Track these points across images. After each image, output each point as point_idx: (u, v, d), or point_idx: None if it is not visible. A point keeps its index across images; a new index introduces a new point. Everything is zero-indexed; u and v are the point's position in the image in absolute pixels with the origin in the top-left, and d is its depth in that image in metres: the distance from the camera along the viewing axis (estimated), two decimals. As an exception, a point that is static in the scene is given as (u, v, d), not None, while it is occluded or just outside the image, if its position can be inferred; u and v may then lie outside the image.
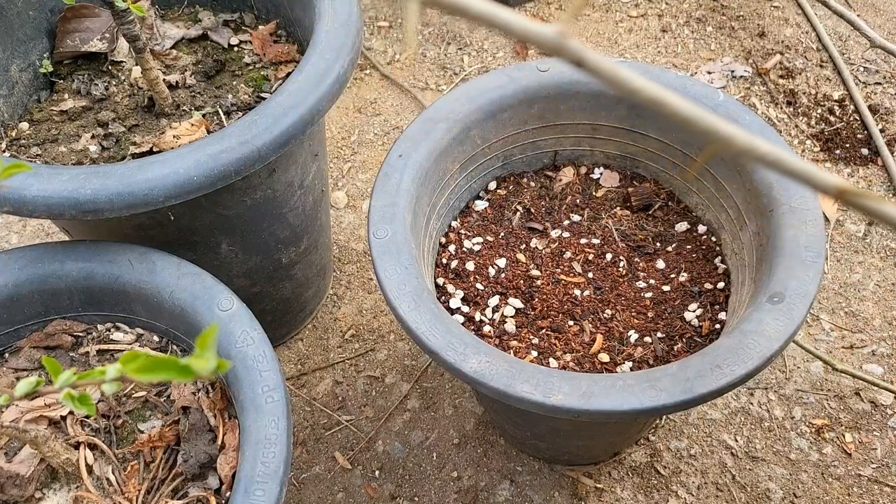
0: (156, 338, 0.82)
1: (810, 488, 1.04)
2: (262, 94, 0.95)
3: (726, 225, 0.90)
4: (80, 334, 0.81)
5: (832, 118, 1.40)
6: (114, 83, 0.97)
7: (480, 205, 0.96)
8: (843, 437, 1.07)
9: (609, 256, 0.91)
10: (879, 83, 1.45)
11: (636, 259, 0.91)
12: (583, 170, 0.99)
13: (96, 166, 0.78)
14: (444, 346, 0.72)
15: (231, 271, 0.98)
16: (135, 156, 0.88)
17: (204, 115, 0.92)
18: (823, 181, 0.28)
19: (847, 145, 1.37)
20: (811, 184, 0.29)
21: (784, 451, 1.07)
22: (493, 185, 0.98)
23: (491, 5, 0.25)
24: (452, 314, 0.86)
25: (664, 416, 1.09)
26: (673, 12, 1.59)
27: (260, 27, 1.03)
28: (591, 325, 0.85)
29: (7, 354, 0.81)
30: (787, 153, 0.29)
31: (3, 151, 0.90)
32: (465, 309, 0.87)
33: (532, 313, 0.87)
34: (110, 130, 0.91)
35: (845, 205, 0.28)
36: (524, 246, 0.92)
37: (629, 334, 0.84)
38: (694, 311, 0.86)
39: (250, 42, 1.01)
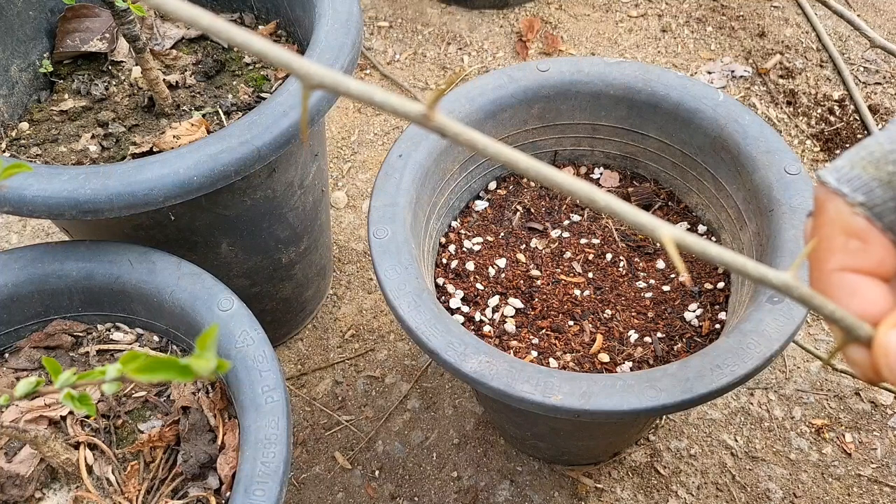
0: (156, 338, 0.82)
1: (810, 488, 1.04)
2: (262, 94, 0.95)
3: (726, 225, 0.90)
4: (80, 334, 0.81)
5: (832, 118, 1.40)
6: (114, 83, 0.97)
7: (480, 205, 0.97)
8: (843, 437, 1.07)
9: (609, 256, 0.91)
10: (879, 83, 1.46)
11: (636, 259, 0.91)
12: (583, 170, 0.99)
13: (96, 166, 0.78)
14: (444, 346, 0.72)
15: (231, 271, 0.98)
16: (135, 156, 0.88)
17: (204, 115, 0.92)
18: (651, 230, 0.32)
19: (847, 145, 1.37)
20: (644, 231, 0.33)
21: (784, 451, 1.07)
22: (493, 185, 0.98)
23: (367, 87, 0.30)
24: (452, 314, 0.86)
25: (664, 416, 1.09)
26: (673, 12, 1.59)
27: (260, 27, 1.03)
28: (591, 325, 0.85)
29: (7, 354, 0.81)
30: (618, 204, 0.32)
31: (3, 151, 0.90)
32: (465, 309, 0.87)
33: (532, 313, 0.87)
34: (110, 130, 0.91)
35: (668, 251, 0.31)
36: (524, 246, 0.92)
37: (629, 334, 0.84)
38: (694, 311, 0.86)
39: (250, 42, 1.01)
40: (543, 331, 0.85)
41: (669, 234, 0.31)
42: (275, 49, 0.29)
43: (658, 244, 0.92)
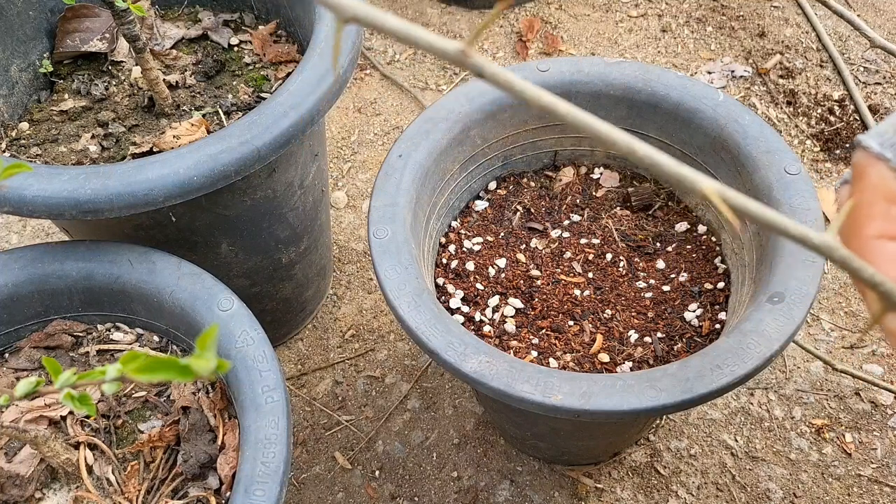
0: (156, 338, 0.82)
1: (810, 488, 1.04)
2: (262, 94, 0.95)
3: (726, 225, 0.90)
4: (80, 334, 0.81)
5: (832, 118, 1.40)
6: (114, 83, 0.97)
7: (480, 205, 0.97)
8: (843, 437, 1.07)
9: (609, 256, 0.91)
10: (879, 83, 1.46)
11: (636, 259, 0.91)
12: (583, 170, 0.99)
13: (96, 166, 0.78)
14: (444, 346, 0.72)
15: (231, 271, 0.98)
16: (135, 156, 0.88)
17: (204, 115, 0.92)
18: (692, 183, 0.31)
19: (847, 145, 1.37)
20: (683, 185, 0.31)
21: (784, 451, 1.07)
22: (493, 185, 0.98)
23: (405, 23, 0.29)
24: (452, 314, 0.86)
25: (664, 416, 1.09)
26: (673, 12, 1.59)
27: (260, 27, 1.03)
28: (591, 325, 0.85)
29: (7, 354, 0.81)
30: (658, 155, 0.31)
31: (3, 151, 0.90)
32: (465, 309, 0.87)
33: (532, 313, 0.87)
34: (110, 130, 0.91)
35: (711, 204, 0.31)
36: (524, 246, 0.92)
37: (629, 334, 0.84)
38: (694, 311, 0.86)
39: (250, 42, 1.01)
40: (543, 331, 0.85)
41: (711, 186, 0.31)
42: None
43: (658, 244, 0.92)
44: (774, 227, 0.32)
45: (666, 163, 0.31)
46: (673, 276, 0.89)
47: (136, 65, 0.97)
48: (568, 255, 0.91)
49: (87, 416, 0.76)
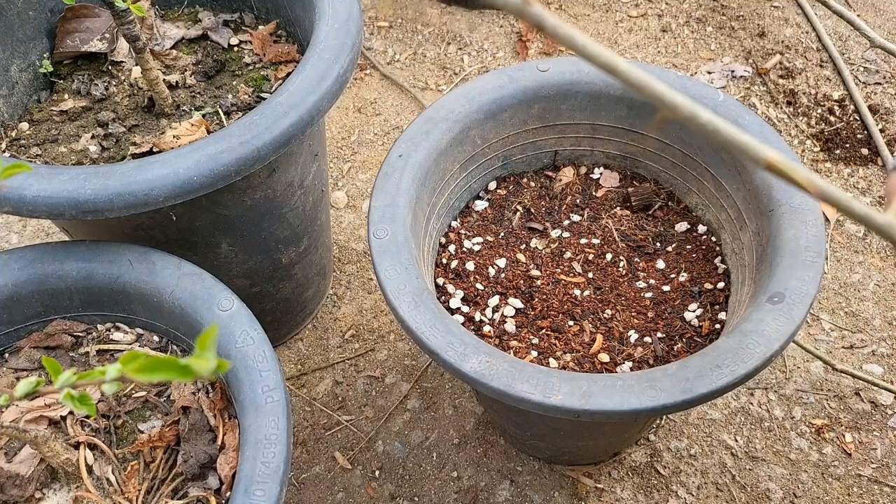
0: (156, 338, 0.82)
1: (810, 488, 1.04)
2: (262, 94, 0.95)
3: (726, 225, 0.90)
4: (80, 334, 0.81)
5: (832, 118, 1.40)
6: (114, 83, 0.97)
7: (480, 205, 0.97)
8: (843, 437, 1.07)
9: (609, 256, 0.91)
10: (879, 83, 1.46)
11: (636, 259, 0.91)
12: (583, 170, 0.99)
13: (96, 166, 0.78)
14: (444, 346, 0.72)
15: (231, 271, 0.98)
16: (135, 156, 0.88)
17: (204, 115, 0.92)
18: (755, 152, 0.31)
19: (847, 145, 1.37)
20: (745, 154, 0.31)
21: (784, 451, 1.07)
22: (493, 185, 0.98)
23: None
24: (452, 314, 0.86)
25: (664, 416, 1.09)
26: (673, 12, 1.59)
27: (260, 27, 1.03)
28: (591, 325, 0.85)
29: (7, 354, 0.81)
30: (721, 122, 0.30)
31: (3, 151, 0.90)
32: (465, 309, 0.87)
33: (532, 313, 0.87)
34: (110, 130, 0.91)
35: (776, 175, 0.30)
36: (524, 246, 0.92)
37: (629, 334, 0.84)
38: (694, 311, 0.86)
39: (250, 42, 1.01)
40: (543, 331, 0.85)
41: (774, 155, 0.31)
42: None
43: (658, 244, 0.92)
44: (840, 204, 0.32)
45: (727, 129, 0.30)
46: (673, 276, 0.89)
47: (136, 65, 0.97)
48: (568, 255, 0.91)
49: (87, 416, 0.76)
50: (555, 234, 0.93)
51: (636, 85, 0.30)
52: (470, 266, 0.90)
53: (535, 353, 0.83)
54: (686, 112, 0.30)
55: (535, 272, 0.90)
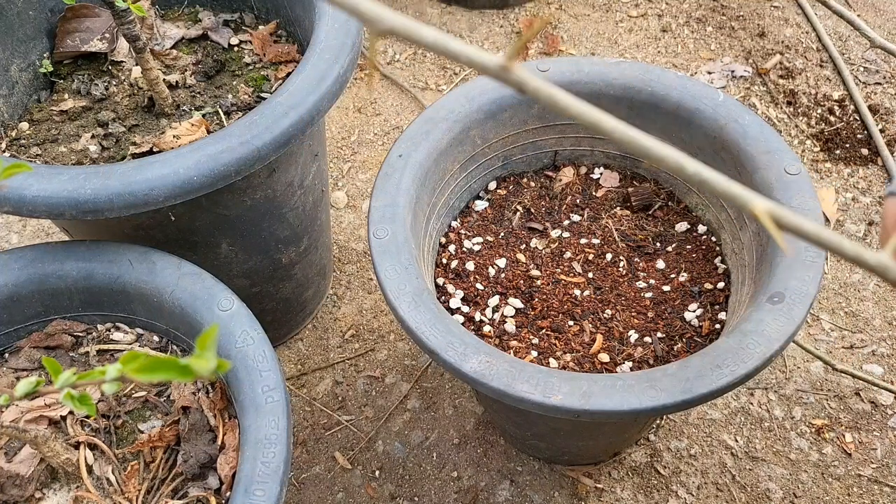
0: (156, 338, 0.82)
1: (810, 488, 1.04)
2: (262, 94, 0.95)
3: (726, 225, 0.90)
4: (80, 334, 0.81)
5: (832, 118, 1.40)
6: (114, 83, 0.97)
7: (480, 205, 0.96)
8: (843, 437, 1.07)
9: (609, 256, 0.91)
10: (879, 83, 1.46)
11: (636, 259, 0.91)
12: (583, 170, 0.99)
13: (96, 166, 0.78)
14: (444, 345, 0.72)
15: (231, 271, 0.98)
16: (135, 156, 0.88)
17: (204, 115, 0.92)
18: (745, 201, 0.30)
19: (847, 145, 1.37)
20: (735, 203, 0.30)
21: (784, 451, 1.07)
22: (493, 185, 0.98)
23: (442, 35, 0.28)
24: (452, 314, 0.86)
25: (664, 416, 1.09)
26: (673, 12, 1.59)
27: (260, 27, 1.03)
28: (591, 325, 0.85)
29: (7, 354, 0.81)
30: (708, 172, 0.30)
31: (3, 151, 0.90)
32: (465, 309, 0.87)
33: (532, 313, 0.87)
34: (110, 130, 0.91)
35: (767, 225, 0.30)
36: (524, 246, 0.92)
37: (629, 334, 0.84)
38: (694, 311, 0.86)
39: (250, 42, 1.01)
40: (543, 331, 0.85)
41: (764, 206, 0.30)
42: None
43: (658, 244, 0.92)
44: (830, 246, 0.31)
45: (717, 180, 0.30)
46: (673, 276, 0.89)
47: (136, 65, 0.97)
48: (568, 255, 0.91)
49: (87, 416, 0.76)
50: (555, 234, 0.93)
51: (625, 141, 0.30)
52: (470, 266, 0.90)
53: (535, 353, 0.83)
54: (672, 164, 0.30)
55: (535, 272, 0.90)
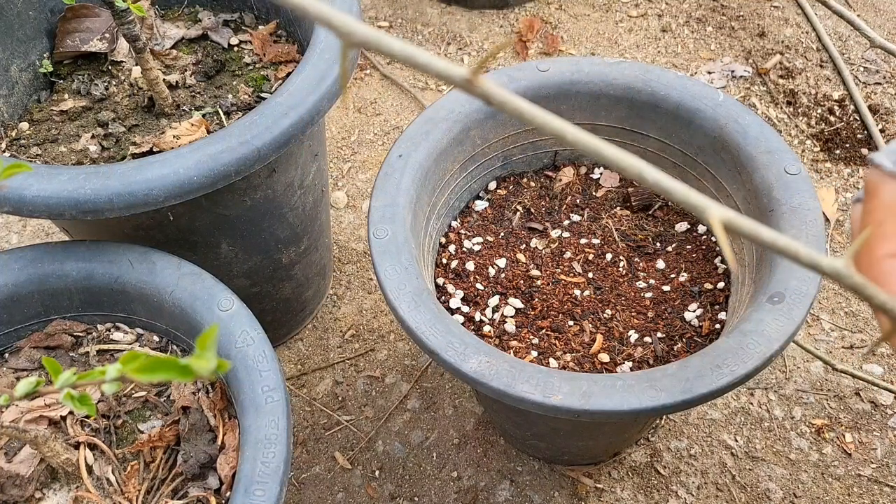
0: (156, 338, 0.82)
1: (810, 488, 1.04)
2: (262, 94, 0.95)
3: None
4: (80, 334, 0.81)
5: (832, 118, 1.40)
6: (114, 83, 0.97)
7: (480, 205, 0.96)
8: (843, 437, 1.07)
9: (609, 256, 0.91)
10: (879, 83, 1.46)
11: (636, 259, 0.91)
12: (583, 170, 0.99)
13: (96, 166, 0.78)
14: (444, 346, 0.72)
15: (231, 271, 0.98)
16: (135, 156, 0.88)
17: (204, 115, 0.92)
18: (702, 210, 0.31)
19: (847, 145, 1.37)
20: (694, 211, 0.31)
21: (784, 451, 1.07)
22: (493, 185, 0.98)
23: (409, 47, 0.28)
24: (452, 314, 0.86)
25: (664, 416, 1.09)
26: (673, 12, 1.59)
27: (260, 27, 1.03)
28: (591, 325, 0.85)
29: (7, 354, 0.81)
30: (667, 181, 0.30)
31: (3, 151, 0.90)
32: (465, 309, 0.87)
33: (532, 313, 0.87)
34: (110, 130, 0.91)
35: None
36: (524, 246, 0.92)
37: (629, 334, 0.84)
38: (694, 311, 0.86)
39: (250, 42, 1.01)
40: (543, 331, 0.85)
41: (719, 215, 0.30)
42: (314, 3, 0.28)
43: (658, 244, 0.92)
44: (786, 253, 0.31)
45: (676, 188, 0.30)
46: (673, 276, 0.89)
47: (136, 65, 0.97)
48: (568, 255, 0.91)
49: (87, 416, 0.76)
50: (555, 234, 0.93)
51: (589, 150, 0.31)
52: (470, 266, 0.90)
53: (535, 353, 0.83)
54: (634, 173, 0.30)
55: (535, 272, 0.90)
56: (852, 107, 1.41)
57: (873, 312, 0.38)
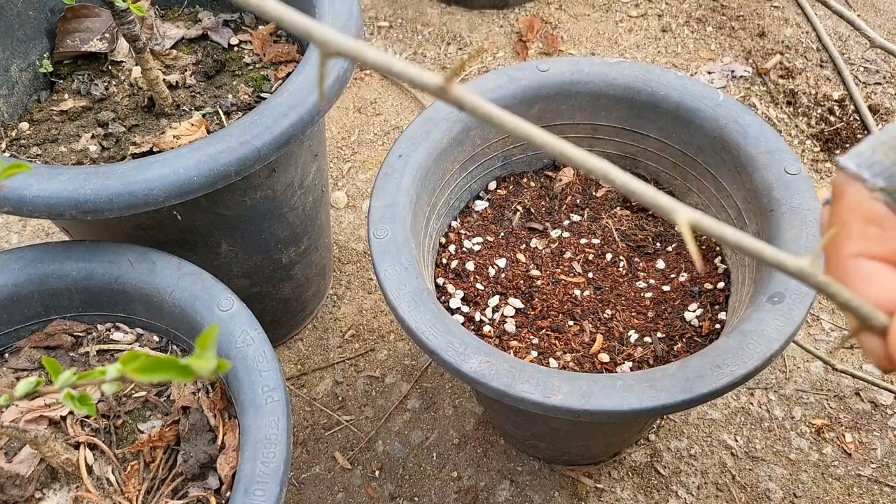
0: (156, 338, 0.82)
1: (810, 488, 1.04)
2: (262, 94, 0.95)
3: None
4: (80, 334, 0.81)
5: (832, 118, 1.40)
6: (114, 83, 0.97)
7: (480, 205, 0.96)
8: (843, 437, 1.07)
9: (609, 256, 0.91)
10: (879, 83, 1.45)
11: (636, 259, 0.91)
12: (583, 170, 0.99)
13: (96, 166, 0.78)
14: (444, 346, 0.72)
15: (231, 271, 0.98)
16: (135, 156, 0.88)
17: (204, 115, 0.92)
18: (669, 211, 0.31)
19: (847, 145, 1.37)
20: (660, 212, 0.31)
21: (784, 451, 1.07)
22: (493, 185, 0.98)
23: (386, 56, 0.30)
24: (452, 314, 0.86)
25: (664, 416, 1.09)
26: (673, 12, 1.59)
27: (260, 27, 1.03)
28: (591, 325, 0.85)
29: (7, 354, 0.81)
30: (634, 183, 0.31)
31: (3, 151, 0.90)
32: (465, 309, 0.87)
33: (532, 313, 0.87)
34: (110, 130, 0.91)
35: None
36: (524, 246, 0.92)
37: (629, 334, 0.84)
38: (694, 311, 0.86)
39: (250, 42, 1.01)
40: (543, 331, 0.85)
41: (686, 216, 0.31)
42: (292, 14, 0.28)
43: (658, 244, 0.92)
44: (751, 253, 0.32)
45: (642, 190, 0.31)
46: (673, 276, 0.89)
47: (136, 65, 0.97)
48: (568, 255, 0.91)
49: (87, 416, 0.76)
50: (555, 234, 0.93)
51: (557, 153, 0.31)
52: (470, 266, 0.90)
53: (535, 353, 0.83)
54: (601, 174, 0.31)
55: (535, 272, 0.90)
56: (852, 107, 1.41)
57: (840, 310, 0.39)
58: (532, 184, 0.98)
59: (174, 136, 0.88)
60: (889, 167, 0.38)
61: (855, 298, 0.35)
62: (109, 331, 0.82)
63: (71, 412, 0.75)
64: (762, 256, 0.32)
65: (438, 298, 0.88)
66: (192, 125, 0.89)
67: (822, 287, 0.34)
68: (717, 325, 0.84)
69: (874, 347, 0.37)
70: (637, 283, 0.89)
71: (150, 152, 0.88)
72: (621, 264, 0.90)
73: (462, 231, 0.94)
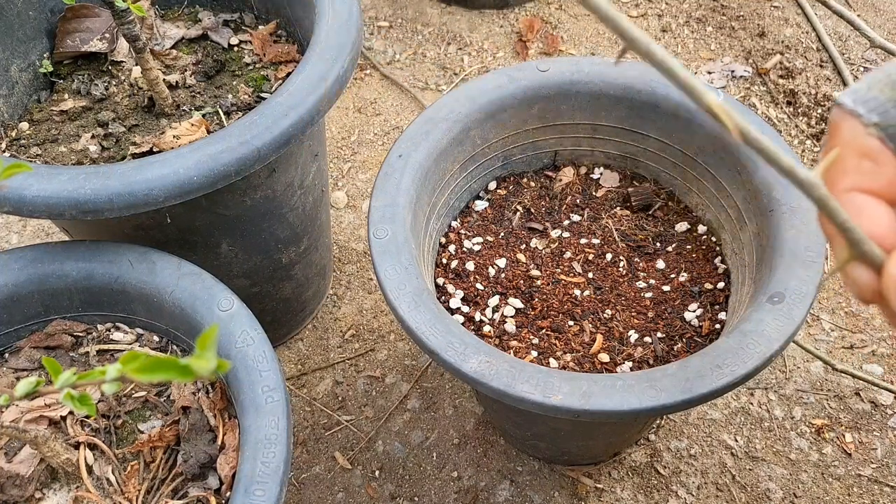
0: (156, 338, 0.82)
1: (810, 488, 1.04)
2: (262, 94, 0.95)
3: (726, 225, 0.90)
4: (80, 334, 0.81)
5: (832, 118, 1.40)
6: (114, 83, 0.97)
7: (480, 205, 0.97)
8: (843, 437, 1.07)
9: (609, 256, 0.91)
10: (879, 83, 1.45)
11: (636, 259, 0.91)
12: (583, 170, 0.99)
13: (96, 166, 0.78)
14: (444, 346, 0.72)
15: (231, 271, 0.98)
16: (135, 156, 0.88)
17: (204, 115, 0.92)
18: (699, 95, 0.33)
19: (847, 145, 1.37)
20: (691, 95, 0.33)
21: (784, 451, 1.07)
22: (493, 185, 0.98)
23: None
24: (452, 314, 0.86)
25: (664, 416, 1.09)
26: (673, 12, 1.59)
27: (260, 27, 1.03)
28: (591, 325, 0.85)
29: (7, 354, 0.81)
30: (673, 61, 0.32)
31: (3, 151, 0.90)
32: (465, 309, 0.87)
33: (532, 313, 0.87)
34: (110, 130, 0.91)
35: (715, 118, 0.33)
36: (524, 246, 0.92)
37: (629, 334, 0.84)
38: (694, 311, 0.86)
39: (250, 42, 1.01)
40: (543, 331, 0.85)
41: (715, 99, 0.32)
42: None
43: (658, 244, 0.92)
44: (766, 152, 0.33)
45: (678, 69, 0.32)
46: (673, 276, 0.89)
47: (136, 65, 0.97)
48: (568, 255, 0.91)
49: (87, 416, 0.76)
50: (555, 234, 0.93)
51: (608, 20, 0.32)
52: (470, 266, 0.90)
53: (535, 353, 0.83)
54: (643, 46, 0.32)
55: (535, 272, 0.90)
56: (852, 107, 1.41)
57: (829, 238, 0.39)
58: (532, 184, 0.98)
59: (174, 136, 0.88)
60: (883, 103, 0.39)
61: (850, 221, 0.36)
62: (109, 331, 0.82)
63: (71, 412, 0.75)
64: (778, 161, 0.33)
65: (438, 298, 0.88)
66: (192, 125, 0.89)
67: (823, 202, 0.34)
68: (717, 326, 0.84)
69: (860, 278, 0.37)
70: (637, 283, 0.89)
71: (150, 152, 0.88)
72: (621, 264, 0.90)
73: (462, 231, 0.94)
